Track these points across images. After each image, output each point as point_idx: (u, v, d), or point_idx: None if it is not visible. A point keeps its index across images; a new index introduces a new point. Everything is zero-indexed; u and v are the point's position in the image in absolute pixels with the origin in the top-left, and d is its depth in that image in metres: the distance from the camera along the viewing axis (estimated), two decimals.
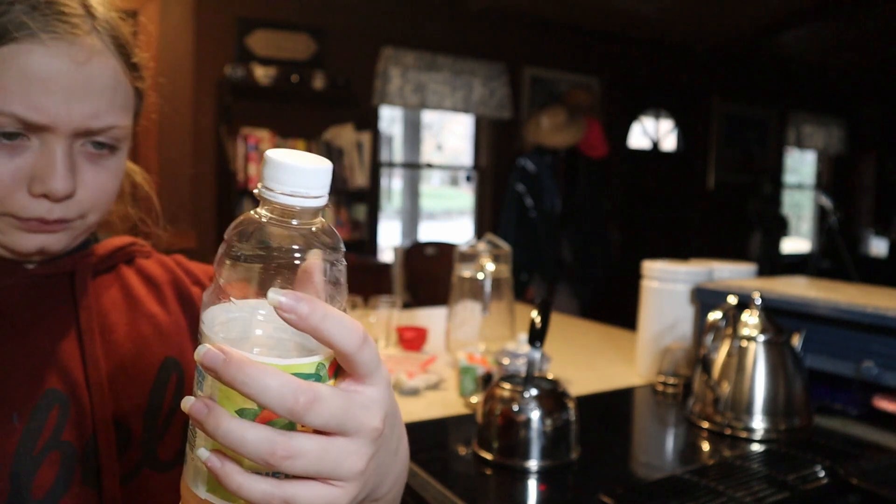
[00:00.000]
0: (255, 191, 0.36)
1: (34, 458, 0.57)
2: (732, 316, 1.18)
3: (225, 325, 0.36)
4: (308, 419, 0.34)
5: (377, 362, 0.38)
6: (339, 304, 0.38)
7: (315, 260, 0.37)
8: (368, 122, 4.22)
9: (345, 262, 0.39)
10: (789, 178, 7.00)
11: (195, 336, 0.69)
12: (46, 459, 0.57)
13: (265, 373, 0.33)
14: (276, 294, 0.33)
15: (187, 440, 0.38)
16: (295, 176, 0.35)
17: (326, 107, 4.08)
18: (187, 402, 0.35)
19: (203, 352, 0.34)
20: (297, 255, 0.36)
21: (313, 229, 0.37)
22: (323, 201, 0.36)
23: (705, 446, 1.15)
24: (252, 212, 0.37)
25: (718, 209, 6.08)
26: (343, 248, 0.39)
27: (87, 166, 0.61)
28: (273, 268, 0.36)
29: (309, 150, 3.88)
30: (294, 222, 0.36)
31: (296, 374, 0.35)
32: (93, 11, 0.60)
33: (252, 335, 0.36)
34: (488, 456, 1.01)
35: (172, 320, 0.70)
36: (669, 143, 5.98)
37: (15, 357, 0.60)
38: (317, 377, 0.36)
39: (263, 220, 0.36)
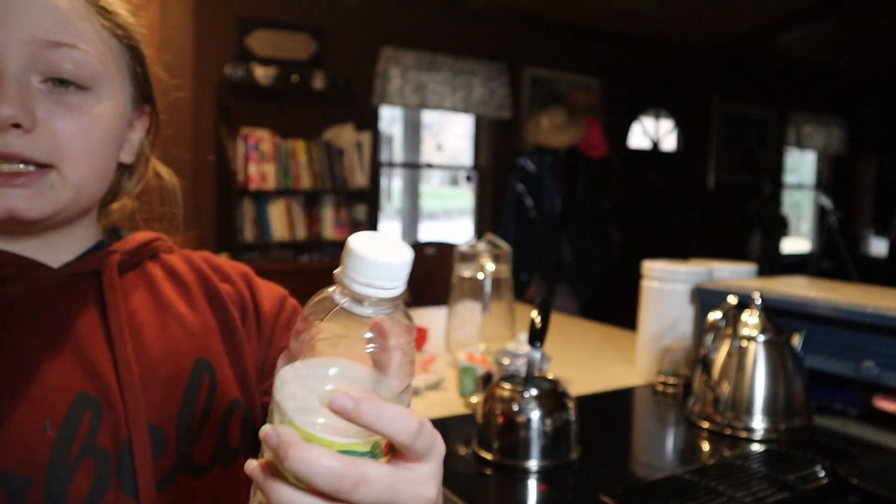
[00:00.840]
0: (336, 271, 0.38)
1: (69, 466, 0.54)
2: (732, 316, 1.18)
3: (293, 393, 0.38)
4: (355, 498, 0.36)
5: (432, 444, 0.39)
6: (406, 382, 0.39)
7: (386, 342, 0.38)
8: (368, 122, 4.22)
9: (414, 343, 0.40)
10: (789, 178, 7.00)
11: (226, 336, 0.68)
12: (82, 467, 0.54)
13: (314, 455, 0.35)
14: (330, 393, 0.36)
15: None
16: (374, 269, 0.36)
17: (326, 107, 4.08)
18: (263, 431, 0.37)
19: (263, 434, 0.37)
20: (369, 340, 0.37)
21: (389, 313, 0.38)
22: (399, 291, 0.37)
23: (705, 446, 1.15)
24: (332, 290, 0.38)
25: (718, 209, 6.08)
26: (415, 331, 0.40)
27: (49, 104, 0.54)
28: (343, 350, 0.38)
29: (309, 150, 3.89)
30: (370, 311, 0.37)
31: (350, 452, 0.36)
32: None
33: (316, 406, 0.37)
34: (488, 456, 1.01)
35: (202, 320, 0.67)
36: (669, 143, 5.98)
37: (43, 362, 0.57)
38: (371, 454, 0.37)
39: (340, 302, 0.37)
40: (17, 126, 0.52)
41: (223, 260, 0.76)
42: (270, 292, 0.76)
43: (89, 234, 0.66)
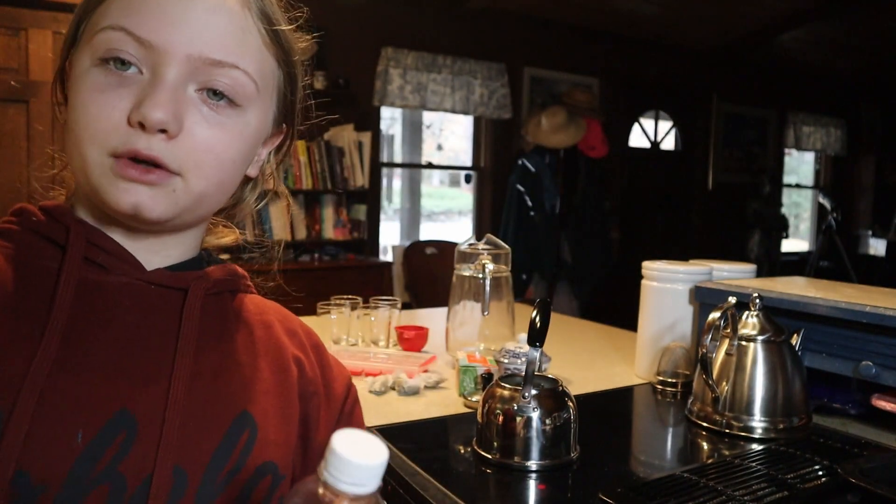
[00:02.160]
0: (319, 467, 0.42)
1: (84, 485, 0.51)
2: (732, 316, 1.18)
3: None
4: None
5: None
6: None
7: None
8: (368, 122, 4.22)
9: None
10: (788, 178, 7.01)
11: (281, 399, 0.65)
12: (95, 490, 0.51)
13: None
14: None
15: None
16: (352, 469, 0.41)
17: (326, 107, 4.07)
18: None
19: None
20: None
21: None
22: (372, 489, 0.42)
23: (704, 445, 1.16)
24: (316, 485, 0.43)
25: (718, 209, 6.08)
26: None
27: (197, 115, 0.56)
28: None
29: (309, 150, 3.90)
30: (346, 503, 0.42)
31: None
32: None
33: None
34: (488, 455, 1.01)
35: (260, 376, 0.64)
36: (669, 143, 5.98)
37: (103, 359, 0.55)
38: None
39: (322, 497, 0.42)
40: (163, 131, 0.54)
41: (295, 318, 0.73)
42: (341, 373, 0.75)
43: (191, 245, 0.66)
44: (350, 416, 0.74)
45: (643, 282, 1.52)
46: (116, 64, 0.54)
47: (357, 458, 0.41)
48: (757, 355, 1.16)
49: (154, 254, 0.62)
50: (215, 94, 0.57)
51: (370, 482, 0.42)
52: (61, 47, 0.60)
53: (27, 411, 0.50)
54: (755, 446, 1.09)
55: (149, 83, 0.54)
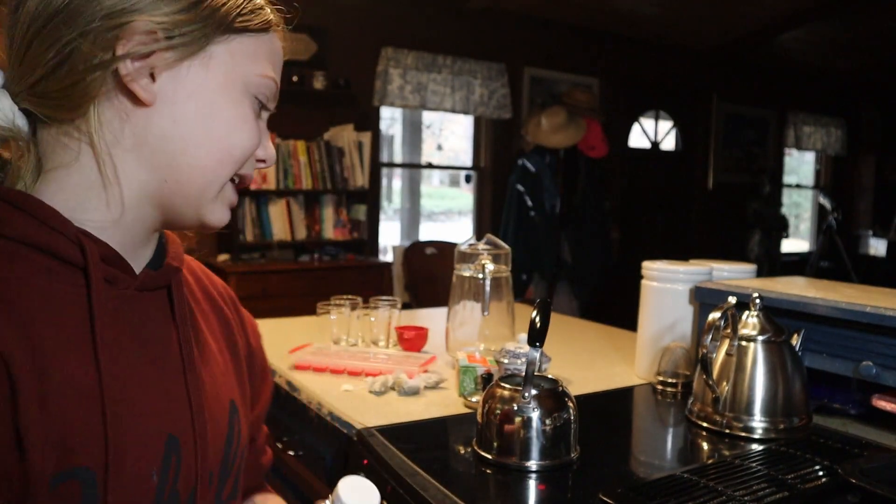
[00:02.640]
0: None
1: None
2: (732, 316, 1.18)
3: None
4: None
5: None
6: None
7: None
8: (368, 122, 4.23)
9: None
10: (788, 178, 7.01)
11: (238, 375, 0.69)
12: None
13: None
14: None
15: None
16: None
17: (326, 107, 4.08)
18: None
19: None
20: None
21: None
22: None
23: (705, 446, 1.16)
24: None
25: (718, 209, 6.08)
26: None
27: None
28: None
29: (309, 150, 3.89)
30: None
31: None
32: None
33: None
34: (488, 456, 1.01)
35: (224, 358, 0.66)
36: (669, 143, 5.98)
37: (136, 394, 0.54)
38: None
39: None
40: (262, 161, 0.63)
41: (212, 273, 0.74)
42: (254, 326, 0.77)
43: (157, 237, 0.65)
44: (263, 360, 0.79)
45: (643, 282, 1.52)
46: (260, 107, 0.62)
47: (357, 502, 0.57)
48: (757, 355, 1.16)
49: (140, 258, 0.61)
50: None
51: None
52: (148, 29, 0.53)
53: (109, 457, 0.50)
54: (755, 446, 1.09)
55: (263, 128, 0.63)
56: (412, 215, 5.09)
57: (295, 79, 3.79)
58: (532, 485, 0.97)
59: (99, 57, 0.52)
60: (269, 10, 0.60)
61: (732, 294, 1.23)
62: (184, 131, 0.56)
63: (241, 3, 0.57)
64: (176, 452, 0.55)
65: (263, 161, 0.62)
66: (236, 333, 0.70)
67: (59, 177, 0.55)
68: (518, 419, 0.99)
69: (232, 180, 0.60)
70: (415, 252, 4.47)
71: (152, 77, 0.54)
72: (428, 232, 5.19)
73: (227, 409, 0.63)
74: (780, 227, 6.16)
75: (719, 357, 1.19)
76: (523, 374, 1.01)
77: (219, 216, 0.60)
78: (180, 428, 0.56)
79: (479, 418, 1.05)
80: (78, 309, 0.52)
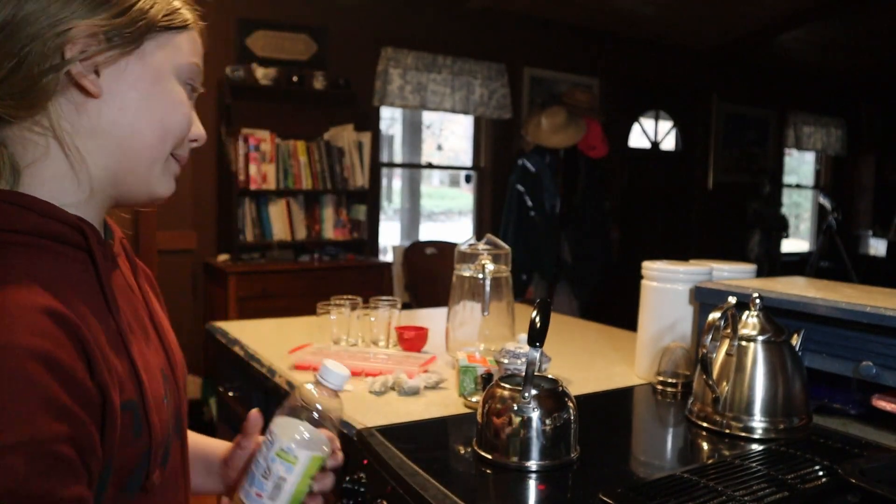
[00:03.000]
0: (315, 374, 0.81)
1: (170, 436, 0.70)
2: (732, 316, 1.18)
3: (284, 427, 0.77)
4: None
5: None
6: (333, 432, 0.81)
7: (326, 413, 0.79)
8: (368, 122, 4.23)
9: (340, 414, 0.82)
10: (788, 178, 7.01)
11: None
12: (173, 434, 0.72)
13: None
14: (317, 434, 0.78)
15: None
16: (328, 373, 0.80)
17: (326, 107, 4.08)
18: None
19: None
20: (318, 412, 0.78)
21: (332, 396, 0.81)
22: (338, 387, 0.81)
23: (704, 446, 1.16)
24: (310, 385, 0.81)
25: (718, 209, 6.08)
26: (341, 410, 0.83)
27: None
28: (307, 409, 0.79)
29: (309, 150, 3.89)
30: (324, 392, 0.80)
31: (319, 458, 0.77)
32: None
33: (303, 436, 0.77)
34: (488, 456, 1.01)
35: (163, 311, 0.80)
36: (669, 143, 5.98)
37: (138, 343, 0.67)
38: (323, 463, 0.78)
39: (310, 387, 0.80)
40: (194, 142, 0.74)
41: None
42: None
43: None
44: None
45: (643, 282, 1.53)
46: (191, 90, 0.72)
47: (336, 368, 0.79)
48: (757, 355, 1.16)
49: (100, 228, 0.70)
50: None
51: (339, 383, 0.80)
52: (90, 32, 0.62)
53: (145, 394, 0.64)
54: (755, 446, 1.09)
55: (192, 108, 0.72)
56: (412, 215, 5.09)
57: (295, 79, 3.79)
58: (532, 485, 0.97)
59: (50, 60, 0.60)
60: (185, 10, 0.71)
61: (732, 294, 1.23)
62: (130, 117, 0.65)
63: (164, 6, 0.67)
64: (168, 384, 0.70)
65: (195, 140, 0.73)
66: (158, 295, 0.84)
67: (37, 171, 0.63)
68: (518, 419, 0.99)
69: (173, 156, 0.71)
70: (415, 252, 4.47)
71: (97, 73, 0.63)
72: (428, 232, 5.19)
73: (180, 351, 0.78)
74: (780, 227, 6.16)
75: (719, 357, 1.19)
76: (523, 374, 1.01)
77: (166, 187, 0.71)
78: (165, 365, 0.71)
79: (479, 418, 1.05)
80: (88, 283, 0.63)
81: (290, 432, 0.75)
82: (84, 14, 0.61)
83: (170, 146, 0.69)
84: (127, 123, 0.65)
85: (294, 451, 0.74)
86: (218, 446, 0.90)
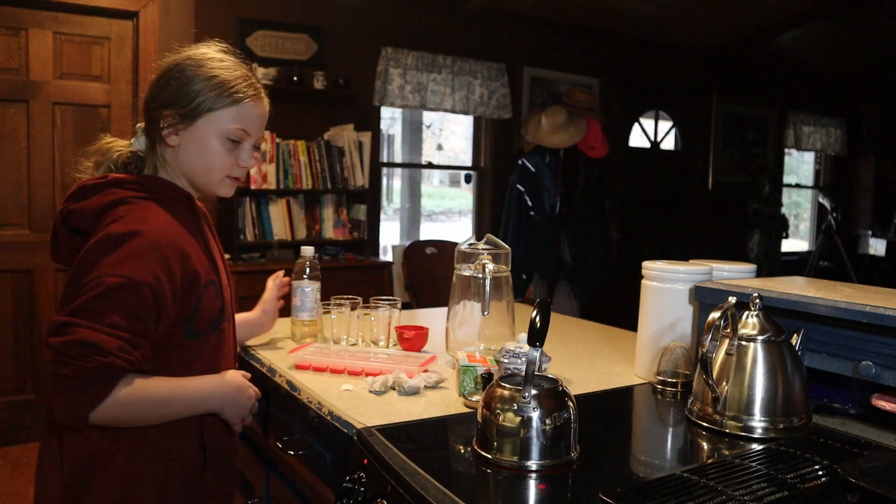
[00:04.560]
0: None
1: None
2: (732, 315, 1.18)
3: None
4: None
5: None
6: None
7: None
8: (368, 122, 4.22)
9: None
10: (788, 178, 7.01)
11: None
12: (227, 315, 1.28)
13: None
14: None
15: None
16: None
17: (326, 107, 4.08)
18: None
19: None
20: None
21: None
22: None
23: (704, 445, 1.16)
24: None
25: (718, 209, 6.08)
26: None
27: None
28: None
29: (309, 150, 3.89)
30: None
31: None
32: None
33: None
34: (488, 455, 1.01)
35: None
36: (669, 143, 5.98)
37: (213, 254, 1.25)
38: None
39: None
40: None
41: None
42: None
43: None
44: None
45: (643, 282, 1.53)
46: (240, 140, 1.24)
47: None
48: (757, 355, 1.16)
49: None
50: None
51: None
52: (162, 98, 1.21)
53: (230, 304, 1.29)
54: (755, 446, 1.09)
55: (245, 147, 1.25)
56: (412, 215, 5.09)
57: (295, 79, 3.79)
58: (532, 485, 0.97)
59: (155, 124, 1.21)
60: (237, 93, 1.21)
61: (732, 294, 1.23)
62: (190, 159, 1.22)
63: (216, 96, 1.19)
64: (228, 278, 1.28)
65: (244, 167, 1.25)
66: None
67: (161, 172, 1.24)
68: (518, 419, 0.99)
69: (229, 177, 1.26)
70: (415, 252, 4.47)
71: (177, 133, 1.20)
72: (428, 232, 5.19)
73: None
74: (780, 227, 6.16)
75: (719, 357, 1.19)
76: (523, 373, 1.01)
77: (222, 193, 1.26)
78: (223, 269, 1.28)
79: (479, 418, 1.05)
80: (191, 219, 1.22)
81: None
82: (168, 106, 1.19)
83: (216, 176, 1.23)
84: (189, 161, 1.21)
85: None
86: (245, 315, 1.62)
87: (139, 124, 1.26)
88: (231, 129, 1.20)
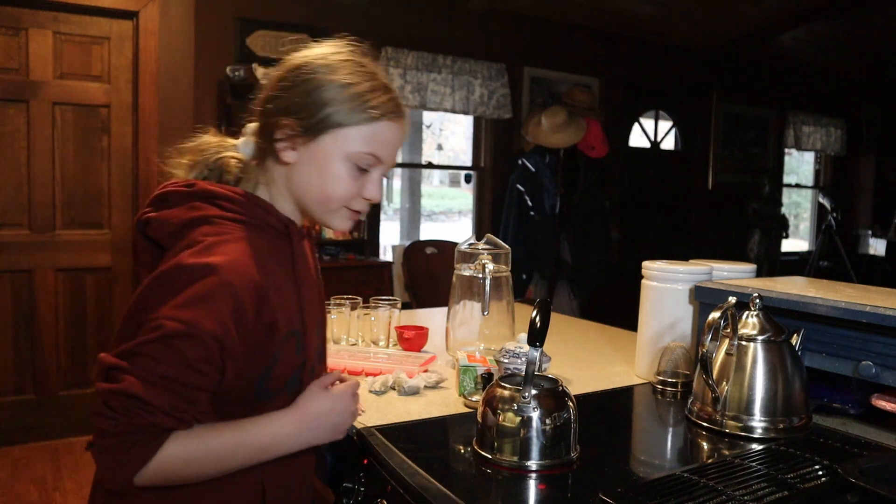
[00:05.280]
0: None
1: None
2: (732, 315, 1.18)
3: None
4: None
5: None
6: None
7: None
8: None
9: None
10: (788, 178, 7.00)
11: None
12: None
13: None
14: None
15: None
16: None
17: None
18: None
19: None
20: None
21: None
22: None
23: (704, 445, 1.16)
24: None
25: (718, 209, 6.08)
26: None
27: None
28: None
29: None
30: None
31: None
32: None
33: None
34: (488, 455, 1.01)
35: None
36: (669, 143, 5.98)
37: (307, 293, 1.02)
38: None
39: None
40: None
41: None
42: None
43: None
44: None
45: (643, 282, 1.53)
46: (369, 166, 1.01)
47: None
48: (757, 355, 1.16)
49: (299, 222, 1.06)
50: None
51: None
52: (283, 103, 1.00)
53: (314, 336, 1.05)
54: (755, 446, 1.09)
55: (373, 176, 1.02)
56: (412, 215, 5.09)
57: None
58: (532, 485, 0.97)
59: (268, 136, 1.00)
60: (374, 110, 1.00)
61: (732, 294, 1.23)
62: (305, 181, 1.00)
63: (346, 110, 0.98)
64: (319, 324, 1.07)
65: (369, 200, 1.03)
66: None
67: (263, 190, 1.02)
68: (518, 419, 0.99)
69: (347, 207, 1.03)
70: (415, 252, 4.47)
71: (294, 147, 0.98)
72: (428, 232, 5.18)
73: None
74: (780, 227, 6.16)
75: (719, 357, 1.19)
76: (523, 373, 1.01)
77: (336, 226, 1.04)
78: (319, 310, 1.08)
79: (479, 418, 1.05)
80: (284, 254, 1.00)
81: None
82: (289, 113, 0.97)
83: (334, 205, 1.01)
84: (303, 184, 1.00)
85: None
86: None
87: (250, 124, 1.06)
88: (360, 153, 0.98)
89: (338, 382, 1.04)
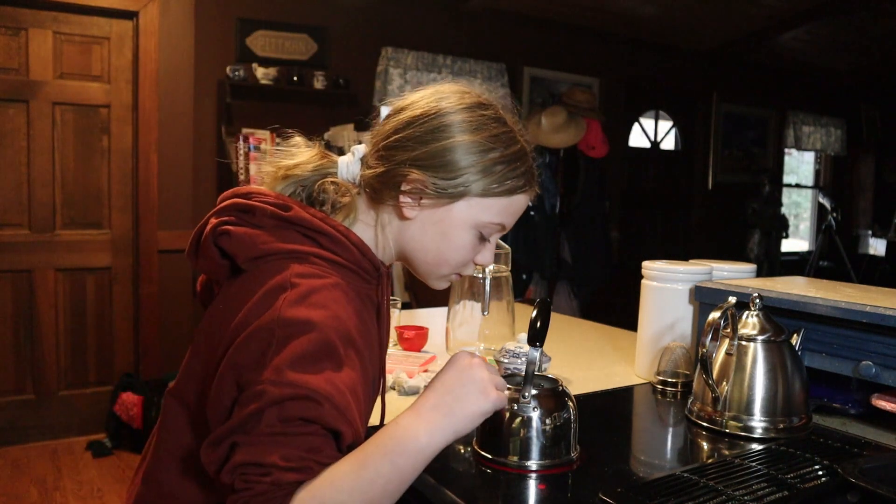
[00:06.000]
0: None
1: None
2: (732, 315, 1.18)
3: None
4: None
5: None
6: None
7: None
8: (368, 122, 4.22)
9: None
10: (788, 178, 7.00)
11: None
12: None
13: None
14: None
15: None
16: None
17: (326, 107, 4.08)
18: None
19: None
20: None
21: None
22: None
23: (704, 445, 1.16)
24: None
25: (718, 209, 6.08)
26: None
27: None
28: None
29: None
30: None
31: None
32: None
33: None
34: (488, 455, 1.01)
35: None
36: (669, 143, 5.98)
37: (384, 337, 0.99)
38: None
39: None
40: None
41: None
42: None
43: None
44: None
45: (643, 282, 1.53)
46: (490, 234, 0.94)
47: None
48: (757, 355, 1.16)
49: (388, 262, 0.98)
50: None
51: None
52: (414, 152, 0.89)
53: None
54: (755, 446, 1.09)
55: (489, 244, 0.95)
56: None
57: (295, 79, 3.79)
58: (532, 485, 0.97)
59: (392, 183, 0.89)
60: (515, 181, 0.91)
61: (732, 294, 1.23)
62: (422, 240, 0.91)
63: (486, 182, 0.89)
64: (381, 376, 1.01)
65: (481, 265, 0.97)
66: None
67: (362, 228, 0.93)
68: (518, 419, 0.99)
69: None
70: None
71: (419, 205, 0.89)
72: None
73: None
74: (780, 227, 6.16)
75: (719, 357, 1.19)
76: (523, 373, 1.01)
77: (436, 286, 0.98)
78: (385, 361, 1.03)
79: None
80: (373, 296, 0.93)
81: None
82: (422, 167, 0.88)
83: (446, 270, 0.94)
84: (418, 242, 0.92)
85: None
86: None
87: (356, 146, 0.96)
88: (490, 223, 0.91)
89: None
